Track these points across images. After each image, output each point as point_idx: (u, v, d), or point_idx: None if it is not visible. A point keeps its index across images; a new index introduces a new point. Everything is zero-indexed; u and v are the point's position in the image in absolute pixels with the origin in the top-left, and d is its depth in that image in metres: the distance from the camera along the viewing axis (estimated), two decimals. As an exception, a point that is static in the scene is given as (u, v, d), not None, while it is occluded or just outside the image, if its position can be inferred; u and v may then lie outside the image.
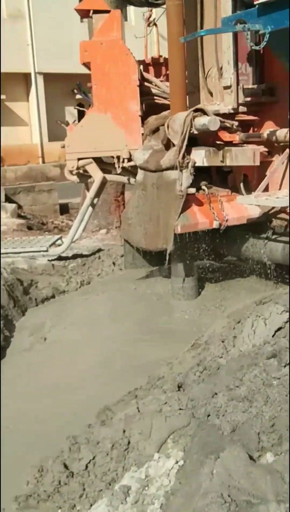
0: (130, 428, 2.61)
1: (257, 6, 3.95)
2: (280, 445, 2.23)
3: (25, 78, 16.97)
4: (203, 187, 4.73)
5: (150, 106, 5.54)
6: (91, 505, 2.41)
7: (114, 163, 5.42)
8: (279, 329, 3.01)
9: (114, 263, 6.17)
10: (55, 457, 2.68)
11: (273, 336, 3.01)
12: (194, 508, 1.99)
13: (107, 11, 5.34)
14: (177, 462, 2.36)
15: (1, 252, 6.13)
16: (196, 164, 4.52)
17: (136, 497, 2.27)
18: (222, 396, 2.57)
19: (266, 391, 2.48)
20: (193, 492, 2.09)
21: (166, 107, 5.18)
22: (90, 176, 5.71)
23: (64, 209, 10.45)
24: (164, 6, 5.03)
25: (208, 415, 2.50)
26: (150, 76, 5.75)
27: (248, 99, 4.91)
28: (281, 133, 4.62)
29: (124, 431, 2.63)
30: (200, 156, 4.55)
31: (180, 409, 2.62)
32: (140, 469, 2.40)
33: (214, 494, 1.98)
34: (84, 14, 5.57)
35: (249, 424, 2.35)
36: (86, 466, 2.58)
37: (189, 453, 2.34)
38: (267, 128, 4.87)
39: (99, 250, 6.75)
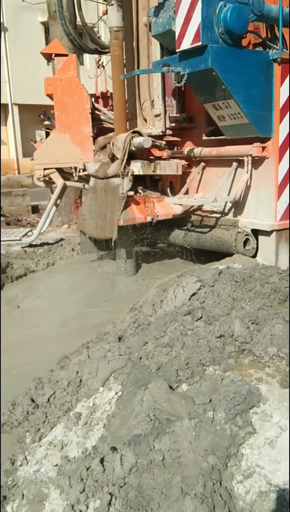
0: (82, 370, 2.74)
1: (178, 53, 4.35)
2: (192, 377, 2.35)
3: (4, 108, 21.81)
4: (140, 190, 5.19)
5: (100, 129, 5.91)
6: (52, 428, 2.52)
7: (72, 172, 5.81)
8: (193, 294, 3.23)
9: (72, 249, 6.45)
10: (24, 394, 2.82)
11: (189, 299, 3.17)
12: (128, 426, 2.10)
13: (66, 55, 5.91)
14: (116, 393, 2.46)
15: None
16: (134, 173, 4.93)
17: (85, 420, 2.39)
18: (151, 344, 2.70)
19: (183, 339, 2.60)
20: (128, 415, 2.21)
21: (111, 130, 5.57)
22: (53, 182, 6.10)
23: (35, 209, 11.38)
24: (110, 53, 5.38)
25: (140, 358, 2.64)
26: (99, 106, 6.15)
27: (173, 124, 5.36)
28: (197, 151, 5.08)
29: (77, 372, 2.77)
30: (137, 167, 4.96)
31: (120, 354, 2.72)
32: (89, 400, 2.50)
33: (143, 415, 2.12)
34: (48, 56, 6.20)
35: (170, 364, 2.47)
36: (48, 399, 2.69)
37: (126, 386, 2.43)
38: (187, 147, 5.29)
39: (61, 239, 6.93)
